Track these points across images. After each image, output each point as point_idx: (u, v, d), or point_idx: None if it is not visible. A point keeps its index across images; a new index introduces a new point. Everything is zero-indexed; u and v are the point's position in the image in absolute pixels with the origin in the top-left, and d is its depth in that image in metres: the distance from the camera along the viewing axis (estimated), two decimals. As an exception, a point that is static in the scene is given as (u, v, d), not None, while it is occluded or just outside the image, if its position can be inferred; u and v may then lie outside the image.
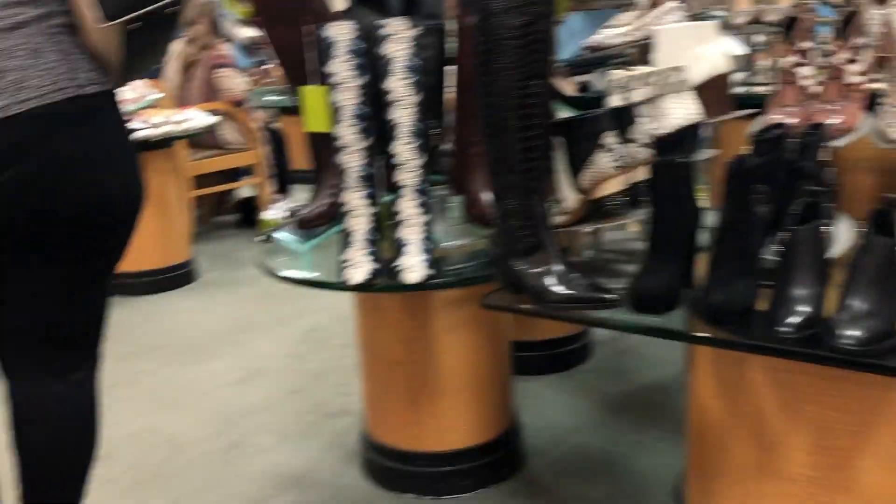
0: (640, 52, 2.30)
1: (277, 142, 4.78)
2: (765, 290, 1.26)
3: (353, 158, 1.66)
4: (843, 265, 1.28)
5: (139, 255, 3.62)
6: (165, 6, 1.31)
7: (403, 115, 1.64)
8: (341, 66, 1.62)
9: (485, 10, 1.36)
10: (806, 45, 1.63)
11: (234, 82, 4.40)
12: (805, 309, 1.18)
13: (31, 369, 1.41)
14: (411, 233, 1.63)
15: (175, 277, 3.76)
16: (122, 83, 1.43)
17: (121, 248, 1.44)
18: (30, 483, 1.45)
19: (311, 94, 1.74)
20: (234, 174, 4.76)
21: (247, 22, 7.67)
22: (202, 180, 4.42)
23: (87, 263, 1.39)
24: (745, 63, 2.57)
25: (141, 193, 1.43)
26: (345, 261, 1.62)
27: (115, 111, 1.38)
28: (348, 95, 1.64)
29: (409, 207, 1.65)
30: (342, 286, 1.61)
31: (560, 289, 1.37)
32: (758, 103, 1.86)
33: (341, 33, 1.61)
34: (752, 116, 1.84)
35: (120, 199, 1.38)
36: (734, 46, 2.70)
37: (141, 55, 1.39)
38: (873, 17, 1.59)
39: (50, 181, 1.27)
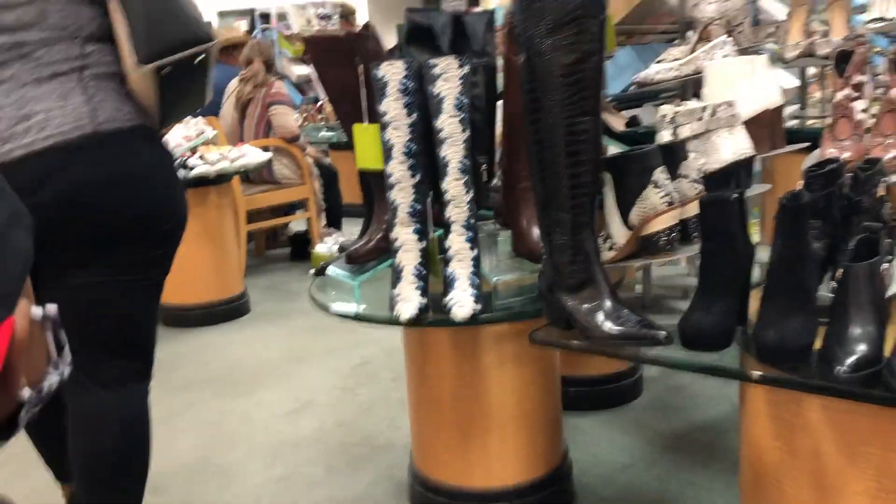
0: (691, 86, 2.29)
1: (329, 177, 4.86)
2: (822, 327, 1.23)
3: (403, 195, 1.68)
4: (901, 303, 1.25)
5: (194, 288, 3.72)
6: (193, 56, 1.46)
7: (453, 152, 1.66)
8: (393, 105, 1.65)
9: (533, 49, 1.37)
10: (860, 78, 1.61)
11: (289, 119, 4.50)
12: (863, 348, 1.15)
13: (79, 379, 1.49)
14: (460, 268, 1.64)
15: (229, 310, 3.83)
16: (163, 125, 1.60)
17: (160, 262, 1.59)
18: (84, 492, 1.53)
19: (363, 132, 1.77)
20: (287, 208, 4.86)
21: (300, 59, 7.87)
22: (255, 214, 4.51)
23: (125, 274, 1.52)
24: (798, 96, 2.54)
25: (175, 215, 1.59)
26: (395, 296, 1.64)
27: (143, 142, 1.53)
28: (399, 133, 1.67)
29: (458, 243, 1.66)
30: (392, 321, 1.63)
31: (610, 325, 1.36)
32: (811, 137, 1.84)
33: (393, 73, 1.64)
34: (805, 150, 1.82)
35: (148, 218, 1.53)
36: (786, 79, 2.68)
37: (176, 99, 1.54)
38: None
39: (72, 202, 1.43)
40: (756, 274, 1.53)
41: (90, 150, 1.44)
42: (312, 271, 2.05)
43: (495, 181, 2.01)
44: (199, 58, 1.48)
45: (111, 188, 1.48)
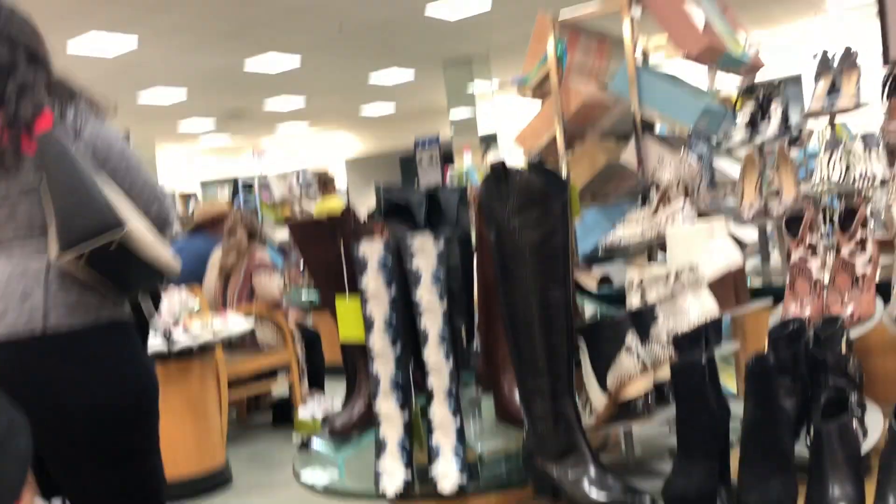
0: (656, 245, 2.40)
1: (311, 339, 4.89)
2: (803, 484, 1.25)
3: (385, 367, 1.72)
4: (877, 457, 1.27)
5: (175, 462, 3.63)
6: (109, 242, 1.55)
7: (432, 322, 1.72)
8: (373, 281, 1.73)
9: (501, 227, 1.47)
10: (812, 239, 1.71)
11: (272, 286, 4.58)
12: (843, 508, 1.17)
13: None
14: (444, 438, 1.65)
15: (211, 482, 3.74)
16: (127, 292, 1.72)
17: (140, 446, 1.69)
18: None
19: (345, 306, 1.83)
20: (269, 373, 4.85)
21: (281, 224, 8.10)
22: (237, 380, 4.49)
23: (113, 466, 1.62)
24: (760, 251, 2.66)
25: (136, 405, 1.70)
26: (379, 470, 1.64)
27: (98, 340, 1.65)
28: (379, 307, 1.73)
29: (441, 413, 1.68)
30: (377, 497, 1.62)
31: (596, 493, 1.37)
32: (775, 293, 1.92)
33: (372, 250, 1.72)
34: (770, 306, 1.90)
35: (108, 410, 1.63)
36: (746, 234, 2.82)
37: (119, 276, 1.65)
38: (877, 206, 1.68)
39: (26, 399, 1.49)
40: (735, 426, 1.55)
41: (38, 350, 1.57)
42: (296, 439, 2.05)
43: (475, 344, 2.06)
44: (115, 242, 1.55)
45: (59, 384, 1.59)
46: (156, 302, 1.91)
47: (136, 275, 1.70)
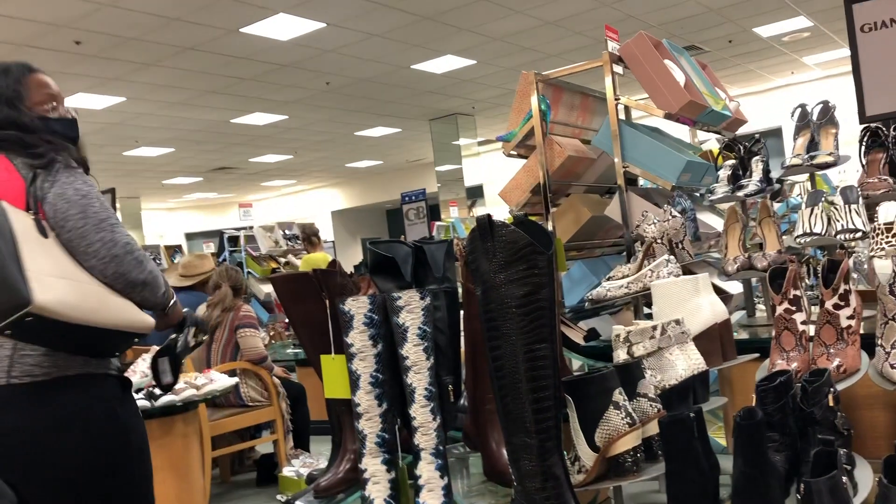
0: (641, 298, 2.41)
1: (296, 395, 4.82)
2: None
3: (370, 424, 1.70)
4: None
5: (156, 524, 3.54)
6: (22, 317, 1.55)
7: (418, 379, 1.70)
8: (359, 337, 1.71)
9: (488, 283, 1.47)
10: (795, 293, 1.72)
11: (257, 341, 4.54)
12: (836, 566, 1.15)
13: None
14: (431, 498, 1.62)
15: (191, 546, 3.63)
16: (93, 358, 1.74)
17: (105, 493, 1.71)
18: None
19: (331, 363, 1.82)
20: (254, 430, 4.76)
21: (267, 279, 8.06)
22: (221, 438, 4.41)
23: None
24: (745, 303, 2.67)
25: (103, 448, 1.71)
26: (365, 531, 1.60)
27: (59, 392, 1.68)
28: (365, 364, 1.71)
29: (428, 471, 1.65)
30: (363, 559, 1.58)
31: (585, 553, 1.34)
32: (761, 347, 1.92)
33: (358, 307, 1.71)
34: (756, 360, 1.90)
35: (69, 452, 1.65)
36: (731, 286, 2.83)
37: (62, 344, 1.68)
38: (860, 260, 1.70)
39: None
40: (726, 480, 1.54)
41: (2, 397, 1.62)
42: (280, 497, 2.02)
43: (462, 401, 2.04)
44: (31, 316, 1.55)
45: (19, 436, 1.63)
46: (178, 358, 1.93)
47: (86, 338, 1.68)
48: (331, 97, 10.22)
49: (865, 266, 2.61)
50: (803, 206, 2.20)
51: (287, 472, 4.24)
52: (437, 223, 9.61)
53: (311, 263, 6.63)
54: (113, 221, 1.72)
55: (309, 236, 8.00)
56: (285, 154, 14.13)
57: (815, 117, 2.47)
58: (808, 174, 2.80)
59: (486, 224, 1.48)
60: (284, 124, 11.57)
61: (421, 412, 1.68)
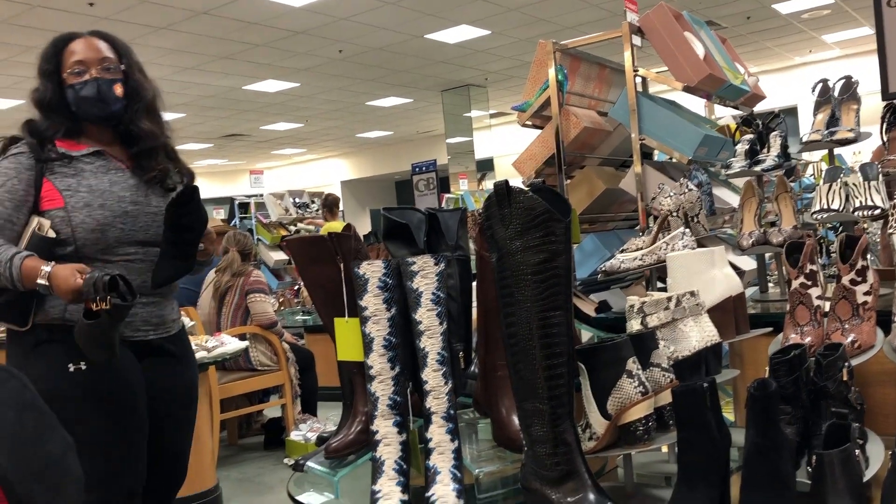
0: (655, 272, 2.40)
1: (305, 361, 4.86)
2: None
3: (383, 387, 1.70)
4: (877, 487, 1.27)
5: (165, 483, 3.58)
6: None
7: (431, 343, 1.71)
8: (372, 300, 1.72)
9: (504, 250, 1.46)
10: (812, 267, 1.71)
11: (267, 306, 4.56)
12: (846, 537, 1.16)
13: None
14: (442, 461, 1.63)
15: (200, 504, 3.68)
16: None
17: None
18: None
19: (344, 326, 1.82)
20: (262, 394, 4.81)
21: (276, 246, 8.08)
22: (229, 401, 4.45)
23: None
24: (759, 278, 2.66)
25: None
26: (375, 492, 1.62)
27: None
28: (379, 327, 1.72)
29: (438, 435, 1.66)
30: (373, 519, 1.60)
31: (594, 519, 1.35)
32: (774, 321, 1.92)
33: (373, 271, 1.72)
34: (769, 334, 1.89)
35: None
36: (745, 262, 2.82)
37: None
38: (874, 241, 1.69)
39: None
40: (735, 455, 1.54)
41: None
42: (287, 461, 2.04)
43: (473, 367, 2.04)
44: None
45: None
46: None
47: None
48: (343, 65, 10.16)
49: (879, 247, 2.60)
50: (821, 181, 2.19)
51: (294, 436, 4.28)
52: (447, 195, 9.60)
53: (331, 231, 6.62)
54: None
55: (330, 205, 8.03)
56: (296, 122, 14.09)
57: (836, 93, 2.44)
58: (824, 151, 2.77)
59: (503, 190, 1.47)
60: (296, 92, 11.52)
61: (433, 376, 1.69)
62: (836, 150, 2.82)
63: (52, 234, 1.95)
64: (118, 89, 2.08)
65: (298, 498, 1.79)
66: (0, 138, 2.07)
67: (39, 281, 1.86)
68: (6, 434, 0.56)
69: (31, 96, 2.07)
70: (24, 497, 0.54)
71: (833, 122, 2.41)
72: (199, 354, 3.67)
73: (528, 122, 3.24)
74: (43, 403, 0.63)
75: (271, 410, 5.03)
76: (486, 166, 13.27)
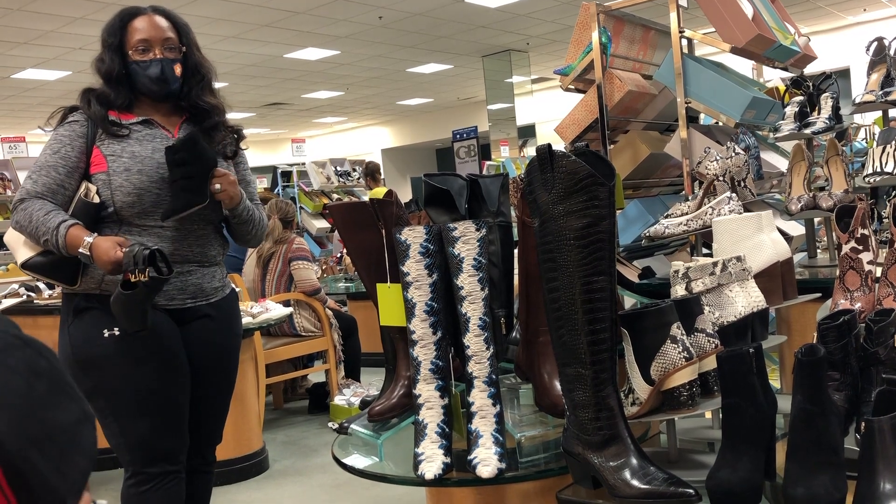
0: (700, 237, 2.37)
1: (348, 327, 4.92)
2: (852, 480, 1.22)
3: (425, 351, 1.72)
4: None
5: (214, 445, 3.68)
6: None
7: (473, 308, 1.71)
8: (414, 266, 1.73)
9: (546, 215, 1.45)
10: (863, 231, 1.67)
11: (310, 273, 4.61)
12: (895, 504, 1.14)
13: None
14: (484, 425, 1.64)
15: (247, 468, 3.78)
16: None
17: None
18: None
19: (386, 291, 1.84)
20: (306, 360, 4.88)
21: (319, 214, 8.15)
22: (274, 366, 4.54)
23: None
24: (807, 244, 2.60)
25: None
26: (418, 454, 1.64)
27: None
28: (421, 292, 1.73)
29: (480, 399, 1.67)
30: (416, 481, 1.62)
31: (637, 483, 1.35)
32: (822, 287, 1.88)
33: (414, 236, 1.72)
34: (818, 300, 1.86)
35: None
36: (793, 227, 2.76)
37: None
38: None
39: None
40: (780, 422, 1.52)
41: None
42: (331, 424, 2.06)
43: (514, 333, 2.05)
44: None
45: None
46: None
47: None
48: (383, 32, 10.11)
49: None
50: (875, 144, 2.12)
51: (338, 400, 4.35)
52: (488, 163, 9.55)
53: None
54: (29, 175, 2.06)
55: (372, 172, 8.08)
56: (337, 90, 14.10)
57: (892, 52, 2.36)
58: (878, 114, 2.68)
59: (546, 154, 1.46)
60: (336, 59, 11.51)
61: (475, 341, 1.70)
62: (892, 112, 2.72)
63: (96, 199, 2.03)
64: (178, 69, 2.16)
65: (344, 460, 1.82)
66: (60, 108, 2.13)
67: (81, 251, 1.96)
68: (10, 401, 0.57)
69: (96, 66, 2.13)
70: (21, 464, 0.55)
71: (888, 82, 2.32)
72: (245, 320, 3.74)
73: (571, 86, 3.19)
74: (64, 374, 0.63)
75: (315, 375, 5.12)
76: (527, 133, 13.14)
